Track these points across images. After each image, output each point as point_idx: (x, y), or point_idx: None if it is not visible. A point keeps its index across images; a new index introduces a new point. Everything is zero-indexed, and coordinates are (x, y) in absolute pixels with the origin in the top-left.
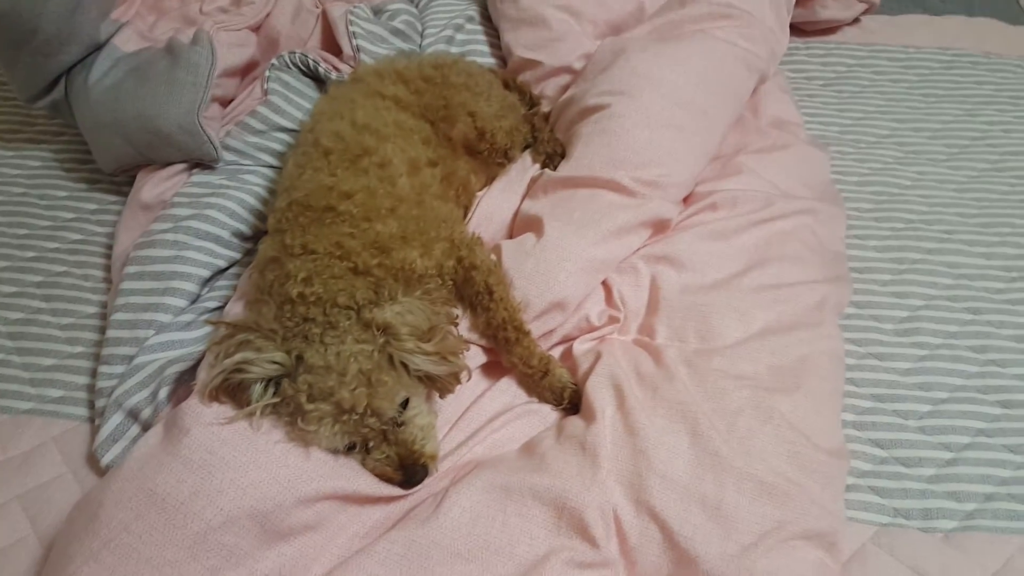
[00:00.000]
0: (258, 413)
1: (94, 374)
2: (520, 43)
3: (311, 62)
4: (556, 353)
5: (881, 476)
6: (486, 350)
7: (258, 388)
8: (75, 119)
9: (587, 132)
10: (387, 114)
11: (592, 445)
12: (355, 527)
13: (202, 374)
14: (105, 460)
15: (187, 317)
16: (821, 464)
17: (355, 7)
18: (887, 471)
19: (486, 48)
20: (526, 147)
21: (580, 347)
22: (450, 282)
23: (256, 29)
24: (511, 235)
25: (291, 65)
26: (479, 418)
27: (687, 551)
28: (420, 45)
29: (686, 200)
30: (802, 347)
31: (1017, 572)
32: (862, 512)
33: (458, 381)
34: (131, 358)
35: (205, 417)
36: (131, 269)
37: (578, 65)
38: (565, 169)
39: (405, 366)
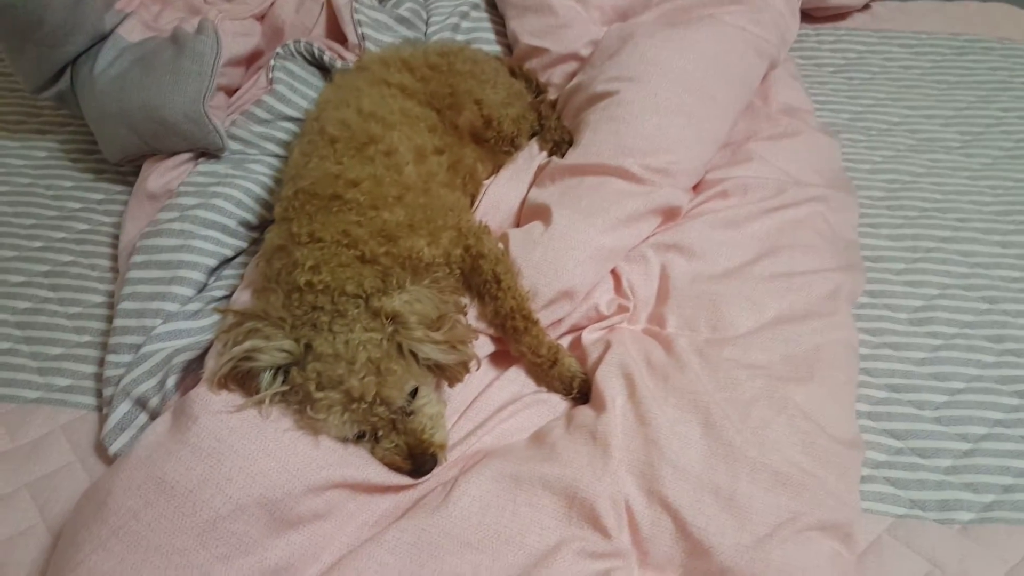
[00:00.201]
0: (267, 401)
1: (101, 363)
2: (526, 30)
3: (316, 51)
4: (565, 343)
5: (897, 467)
6: (494, 339)
7: (267, 376)
8: (81, 109)
9: (595, 119)
10: (393, 102)
11: (603, 434)
12: (364, 516)
13: (210, 362)
14: (113, 449)
15: (194, 306)
16: (836, 454)
17: None
18: (903, 462)
19: (491, 36)
20: (533, 135)
21: (589, 336)
22: (457, 271)
23: (261, 18)
24: (518, 224)
25: (296, 54)
26: (488, 408)
27: (700, 542)
28: (425, 33)
29: (696, 188)
30: (816, 336)
31: None
32: (878, 503)
33: (467, 370)
34: (138, 347)
35: (214, 405)
36: (138, 258)
37: (585, 52)
38: (573, 156)
39: (414, 355)
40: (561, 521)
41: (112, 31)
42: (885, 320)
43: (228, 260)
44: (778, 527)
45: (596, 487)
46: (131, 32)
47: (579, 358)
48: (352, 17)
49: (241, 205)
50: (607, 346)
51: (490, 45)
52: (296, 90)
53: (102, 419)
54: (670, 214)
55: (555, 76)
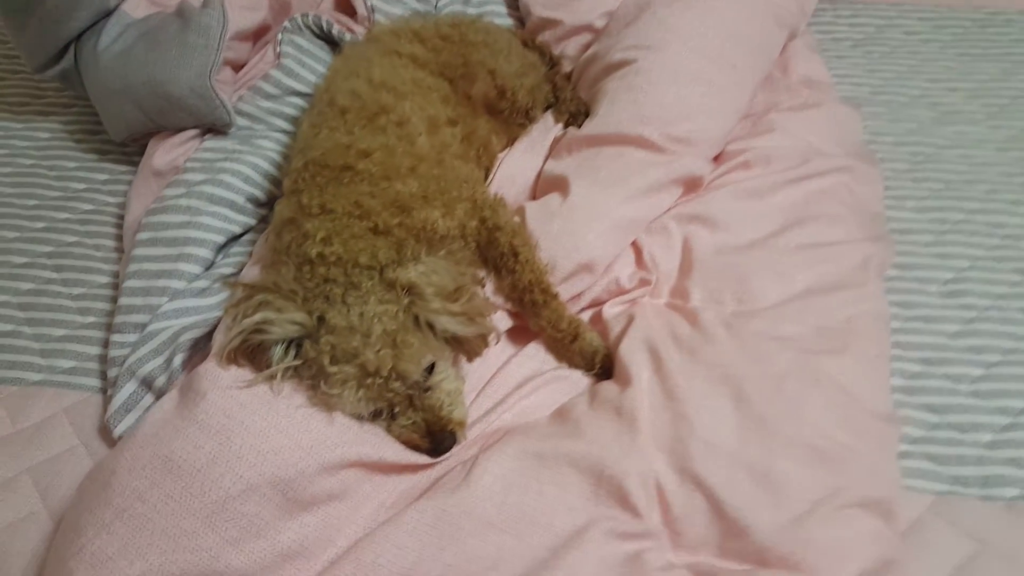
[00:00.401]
0: (279, 376)
1: (106, 344)
2: (538, 1)
3: (324, 24)
4: (584, 318)
5: (935, 443)
6: (512, 315)
7: (278, 350)
8: (84, 88)
9: (613, 88)
10: (404, 72)
11: (629, 410)
12: (381, 497)
13: (219, 337)
14: (118, 430)
15: (201, 283)
16: (874, 428)
17: None
18: (941, 437)
19: (503, 9)
20: (548, 107)
21: (610, 311)
22: (473, 244)
23: None
24: (534, 197)
25: (304, 27)
26: (507, 384)
27: (736, 521)
28: (436, 6)
29: (716, 159)
30: (847, 308)
31: None
32: (918, 480)
33: (486, 344)
34: (144, 326)
35: (223, 381)
36: (143, 236)
37: (599, 23)
38: (590, 127)
39: (431, 327)
40: (589, 500)
41: (117, 7)
42: (915, 293)
43: (236, 237)
44: (817, 504)
45: (624, 464)
46: (136, 8)
47: (600, 333)
48: None
49: (249, 181)
50: (630, 320)
51: (502, 18)
52: (304, 64)
53: (106, 401)
54: (692, 184)
55: (569, 48)
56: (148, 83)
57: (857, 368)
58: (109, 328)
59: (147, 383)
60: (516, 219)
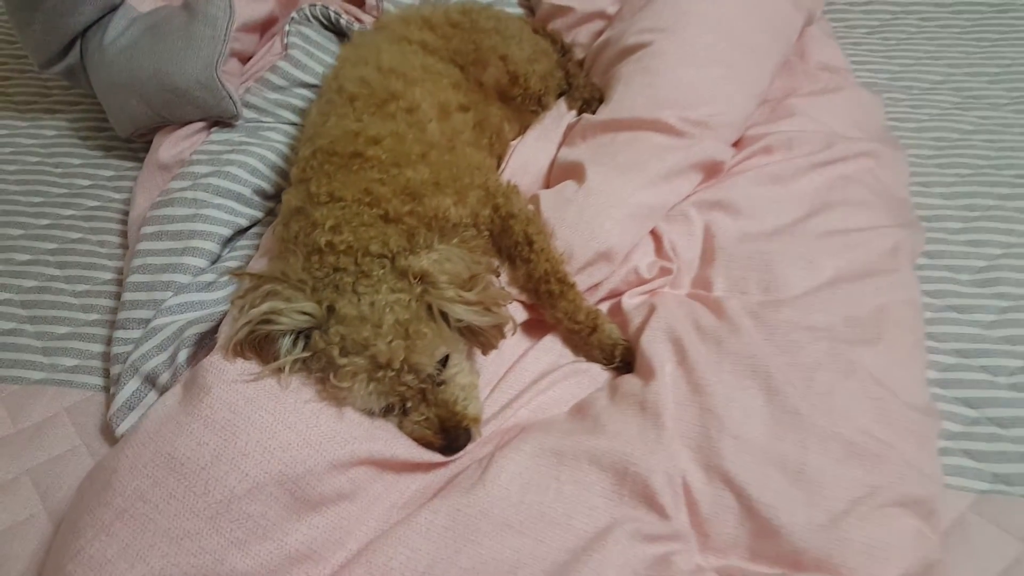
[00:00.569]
0: (287, 369)
1: (110, 342)
2: None
3: (333, 14)
4: (603, 309)
5: (974, 438)
6: (527, 307)
7: (286, 341)
8: (90, 84)
9: (628, 72)
10: (414, 58)
11: (653, 404)
12: (393, 497)
13: (225, 329)
14: (120, 429)
15: (207, 277)
16: (912, 422)
17: None
18: (980, 432)
19: None
20: (560, 94)
21: (630, 301)
22: (486, 233)
23: None
24: (547, 186)
25: (312, 18)
26: (523, 379)
27: (769, 520)
28: None
29: (736, 144)
30: (879, 296)
31: None
32: (957, 478)
33: (502, 335)
34: (148, 321)
35: (228, 374)
36: (148, 229)
37: (611, 10)
38: (605, 112)
39: (445, 317)
40: (611, 500)
41: (122, 1)
42: (946, 282)
43: (243, 230)
44: (855, 503)
45: (649, 461)
46: (142, 2)
47: (620, 325)
48: None
49: (256, 173)
50: (651, 310)
51: (512, 7)
52: (312, 55)
53: (109, 399)
54: (712, 169)
55: (580, 36)
56: (154, 76)
57: (892, 358)
58: (113, 325)
59: (151, 380)
60: (530, 207)
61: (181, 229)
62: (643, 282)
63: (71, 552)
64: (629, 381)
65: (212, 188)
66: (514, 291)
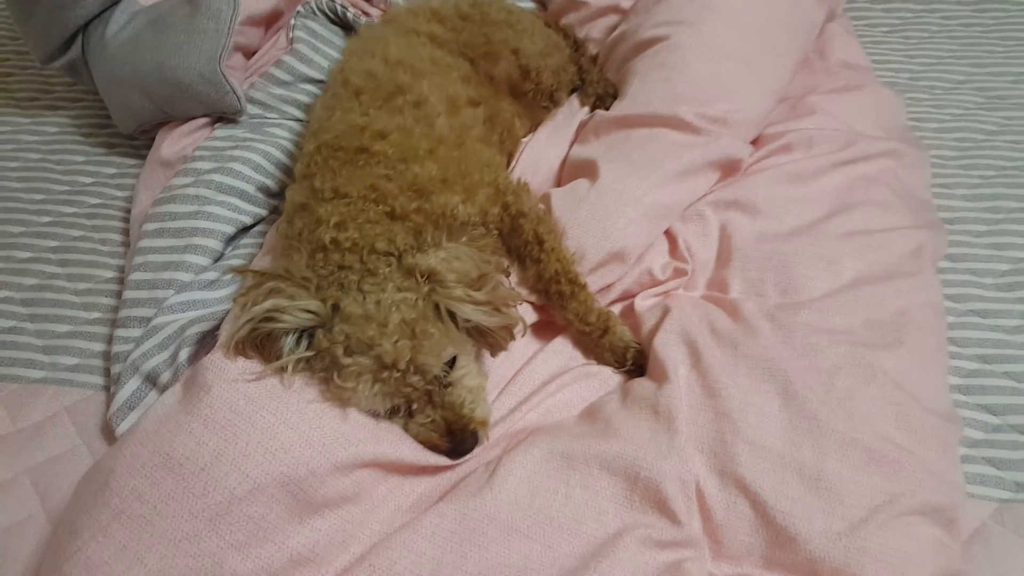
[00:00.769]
0: (289, 368)
1: (111, 341)
2: None
3: (339, 8)
4: (615, 311)
5: (996, 446)
6: (537, 308)
7: (289, 340)
8: (92, 79)
9: (643, 67)
10: (423, 50)
11: (666, 408)
12: (398, 500)
13: (227, 327)
14: (120, 429)
15: (210, 276)
16: (934, 428)
17: None
18: (1003, 440)
19: None
20: (573, 90)
21: (643, 303)
22: (495, 232)
23: None
24: (559, 185)
25: (318, 12)
26: (532, 382)
27: (784, 528)
28: None
29: (754, 143)
30: (901, 299)
31: None
32: (979, 487)
33: (511, 336)
34: (149, 319)
35: (229, 373)
36: (150, 226)
37: (626, 4)
38: (619, 108)
39: (453, 317)
40: (622, 505)
41: None
42: (969, 285)
43: (247, 228)
44: (874, 511)
45: (662, 466)
46: None
47: (632, 327)
48: None
49: (260, 169)
50: (664, 312)
51: (523, 1)
52: (318, 50)
53: (110, 399)
54: (730, 168)
55: (594, 31)
56: (157, 69)
57: (914, 362)
58: (114, 324)
59: (151, 379)
60: (541, 206)
61: (183, 226)
62: (657, 283)
63: (67, 553)
64: (641, 384)
65: (215, 185)
66: (524, 292)
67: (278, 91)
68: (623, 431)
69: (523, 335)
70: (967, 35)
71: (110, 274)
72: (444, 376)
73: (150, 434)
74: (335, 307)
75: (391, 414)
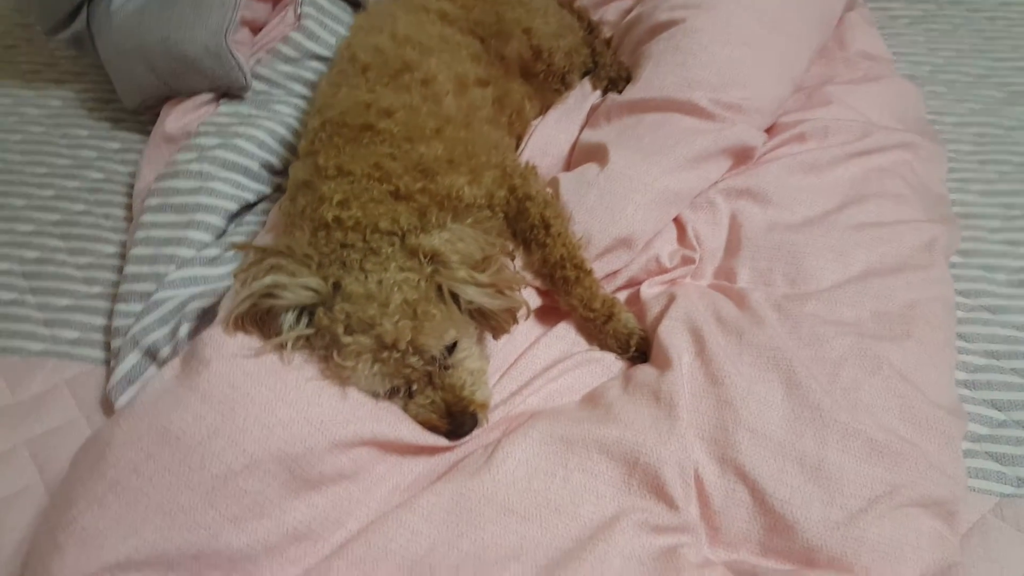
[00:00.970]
0: (289, 345)
1: (111, 315)
2: None
3: None
4: (621, 298)
5: (1000, 441)
6: (541, 293)
7: (289, 317)
8: (97, 52)
9: (658, 51)
10: (432, 27)
11: (668, 394)
12: (395, 479)
13: (227, 302)
14: (119, 403)
15: (212, 252)
16: (938, 421)
17: None
18: (1007, 436)
19: None
20: (585, 73)
21: (649, 291)
22: (501, 215)
23: None
24: (568, 169)
25: None
26: (534, 366)
27: (783, 516)
28: None
29: (768, 131)
30: (910, 292)
31: None
32: (980, 481)
33: (514, 320)
34: (150, 294)
35: (228, 348)
36: (153, 201)
37: None
38: (632, 92)
39: (455, 299)
40: (619, 489)
41: None
42: (981, 281)
43: (250, 206)
44: (873, 501)
45: (661, 452)
46: None
47: (637, 314)
48: None
49: (264, 147)
50: (670, 300)
51: None
52: (326, 26)
53: (109, 373)
54: (742, 156)
55: (608, 14)
56: (162, 43)
57: (921, 356)
58: (115, 298)
59: (151, 354)
60: (548, 190)
61: (186, 202)
62: (664, 271)
63: (63, 523)
64: (644, 371)
65: (219, 161)
66: (528, 276)
67: (284, 67)
68: (624, 416)
69: (526, 319)
70: (991, 28)
71: (112, 249)
72: (444, 358)
73: (148, 407)
74: (336, 285)
75: (391, 394)
